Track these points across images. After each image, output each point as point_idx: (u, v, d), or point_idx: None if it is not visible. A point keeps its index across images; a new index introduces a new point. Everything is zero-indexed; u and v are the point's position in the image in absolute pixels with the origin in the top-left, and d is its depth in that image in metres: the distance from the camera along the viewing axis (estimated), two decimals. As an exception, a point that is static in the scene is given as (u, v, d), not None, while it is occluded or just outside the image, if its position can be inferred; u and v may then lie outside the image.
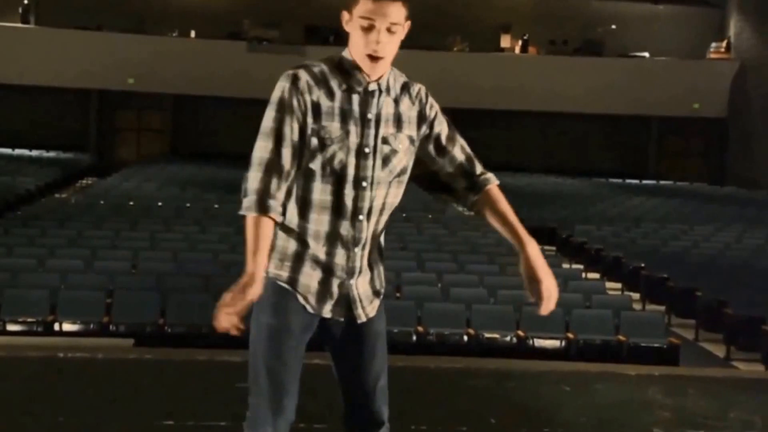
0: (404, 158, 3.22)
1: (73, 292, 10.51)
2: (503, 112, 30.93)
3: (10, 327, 10.00)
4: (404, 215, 18.66)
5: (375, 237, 3.25)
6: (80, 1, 30.54)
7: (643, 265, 14.75)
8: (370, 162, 3.14)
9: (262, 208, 3.03)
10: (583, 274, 15.02)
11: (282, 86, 3.12)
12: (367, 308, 3.26)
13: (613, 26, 32.39)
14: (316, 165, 3.11)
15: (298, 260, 3.17)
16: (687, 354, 10.78)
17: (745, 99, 30.02)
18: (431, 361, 7.26)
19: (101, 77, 29.29)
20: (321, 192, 3.12)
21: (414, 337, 10.12)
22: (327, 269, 3.18)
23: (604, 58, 31.35)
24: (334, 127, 3.10)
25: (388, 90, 3.20)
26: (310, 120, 3.09)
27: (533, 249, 3.18)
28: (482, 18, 32.43)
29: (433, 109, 3.31)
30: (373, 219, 3.20)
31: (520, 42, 32.04)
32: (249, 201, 3.05)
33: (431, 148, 3.31)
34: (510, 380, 6.64)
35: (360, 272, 3.22)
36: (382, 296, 3.35)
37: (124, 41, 29.22)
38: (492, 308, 10.82)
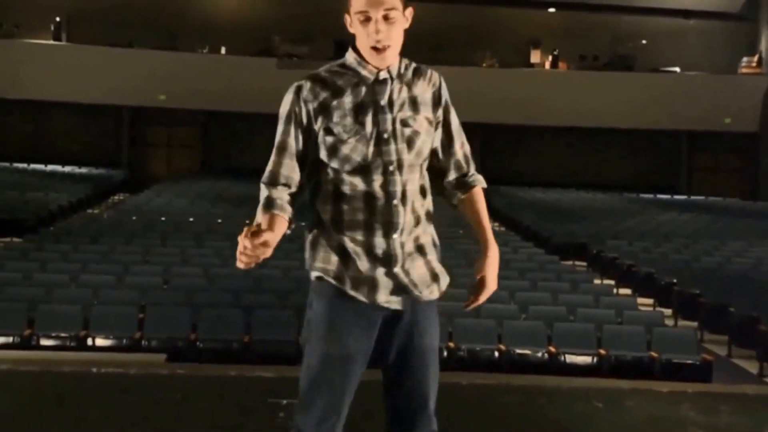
0: (427, 140, 3.24)
1: (106, 307, 10.60)
2: (533, 127, 30.89)
3: (44, 342, 10.10)
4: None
5: (419, 222, 3.24)
6: (111, 18, 30.78)
7: (675, 280, 14.67)
8: (392, 146, 3.15)
9: (268, 207, 3.13)
10: (615, 290, 14.95)
11: (286, 99, 3.21)
12: (425, 291, 3.24)
13: (644, 41, 32.31)
14: (338, 162, 3.14)
15: (342, 253, 3.17)
16: (720, 370, 10.69)
17: (777, 114, 29.84)
18: (463, 377, 7.25)
19: (133, 94, 29.51)
20: (350, 185, 3.14)
21: (445, 353, 10.10)
22: (371, 259, 3.16)
23: (634, 73, 31.25)
24: (347, 121, 3.13)
25: (400, 76, 3.23)
26: (319, 123, 3.15)
27: (494, 254, 3.34)
28: (512, 33, 32.43)
29: (446, 95, 3.33)
30: (410, 203, 3.19)
31: (550, 57, 32.00)
32: (258, 209, 3.16)
33: (442, 135, 3.34)
34: (541, 397, 6.61)
35: (405, 259, 3.19)
36: (442, 285, 3.32)
37: (155, 58, 29.45)
38: (523, 324, 10.80)
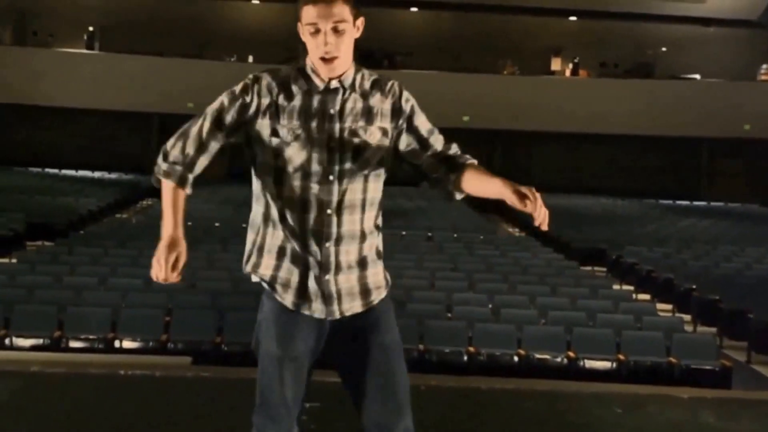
0: (379, 151, 3.23)
1: (133, 310, 10.66)
2: (553, 134, 30.91)
3: (72, 344, 10.16)
4: (455, 236, 18.75)
5: (358, 234, 3.25)
6: (142, 28, 31.16)
7: (694, 286, 14.66)
8: (336, 155, 3.17)
9: (174, 177, 3.39)
10: (634, 296, 14.97)
11: (243, 82, 3.29)
12: (345, 305, 3.24)
13: (664, 48, 32.31)
14: (281, 162, 3.18)
15: (279, 257, 3.24)
16: (739, 376, 10.67)
17: (797, 120, 29.76)
18: (482, 381, 7.27)
19: (162, 101, 29.69)
20: (289, 189, 3.17)
21: (465, 358, 10.18)
22: (303, 264, 3.21)
23: (654, 80, 31.26)
24: (294, 125, 3.17)
25: (353, 87, 3.24)
26: (266, 121, 3.20)
27: (505, 180, 3.11)
28: (533, 41, 32.49)
29: (409, 102, 3.32)
30: (347, 214, 3.21)
31: (570, 65, 32.06)
32: (164, 166, 3.37)
33: (414, 141, 3.32)
34: (561, 402, 6.62)
35: (338, 268, 3.22)
36: (376, 297, 3.31)
37: (184, 66, 29.74)
38: (543, 329, 10.83)
